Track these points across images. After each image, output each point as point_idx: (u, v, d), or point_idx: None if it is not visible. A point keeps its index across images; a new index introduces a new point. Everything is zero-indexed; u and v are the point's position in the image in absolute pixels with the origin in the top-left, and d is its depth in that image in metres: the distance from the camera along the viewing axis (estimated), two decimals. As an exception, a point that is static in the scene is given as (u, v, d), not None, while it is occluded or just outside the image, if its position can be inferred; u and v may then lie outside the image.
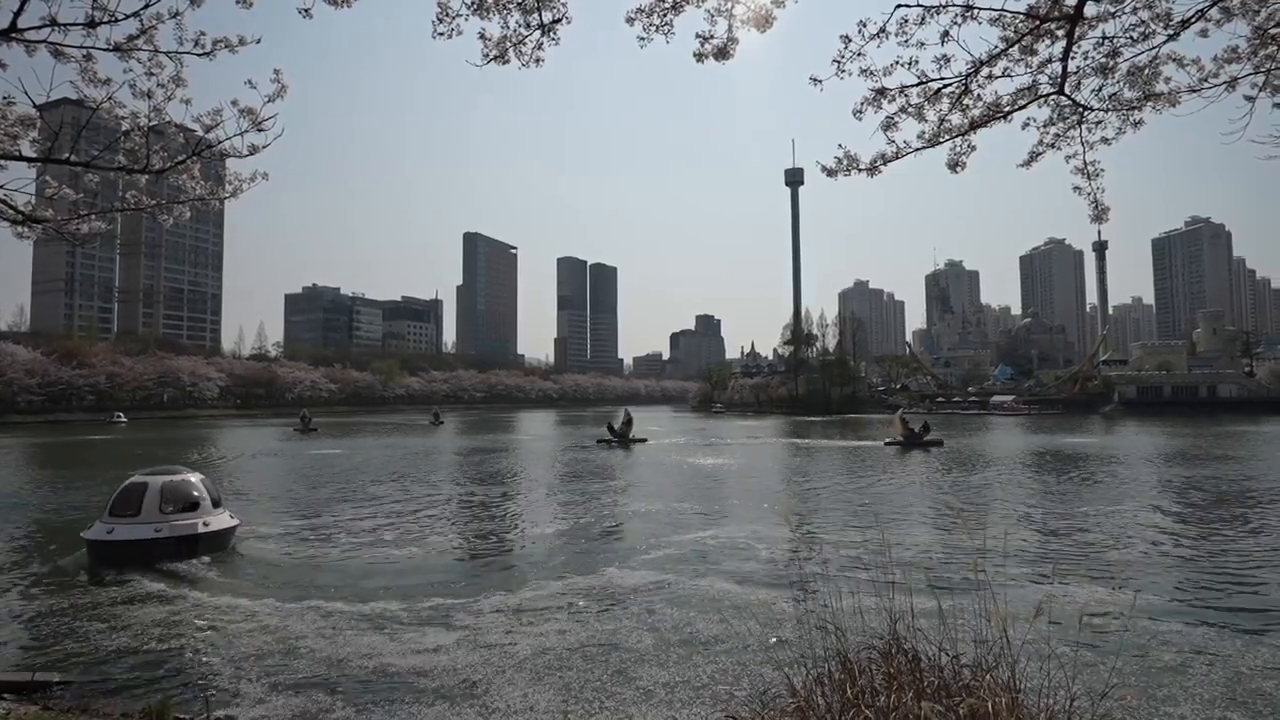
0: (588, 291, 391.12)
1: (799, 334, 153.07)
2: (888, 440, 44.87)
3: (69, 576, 14.03)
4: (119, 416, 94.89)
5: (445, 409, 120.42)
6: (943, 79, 4.43)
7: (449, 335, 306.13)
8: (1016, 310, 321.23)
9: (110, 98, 4.46)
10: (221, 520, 15.91)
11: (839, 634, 4.44)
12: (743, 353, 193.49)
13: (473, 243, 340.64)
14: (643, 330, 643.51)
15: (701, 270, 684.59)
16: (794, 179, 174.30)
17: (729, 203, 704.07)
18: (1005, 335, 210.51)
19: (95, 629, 10.70)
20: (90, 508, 20.69)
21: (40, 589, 13.04)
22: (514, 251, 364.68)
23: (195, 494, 15.66)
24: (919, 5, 4.13)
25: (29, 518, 20.56)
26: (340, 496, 24.71)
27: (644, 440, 49.83)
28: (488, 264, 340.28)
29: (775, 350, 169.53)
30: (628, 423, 50.13)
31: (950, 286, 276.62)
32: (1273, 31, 4.22)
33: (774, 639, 9.72)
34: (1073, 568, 13.63)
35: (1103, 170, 4.69)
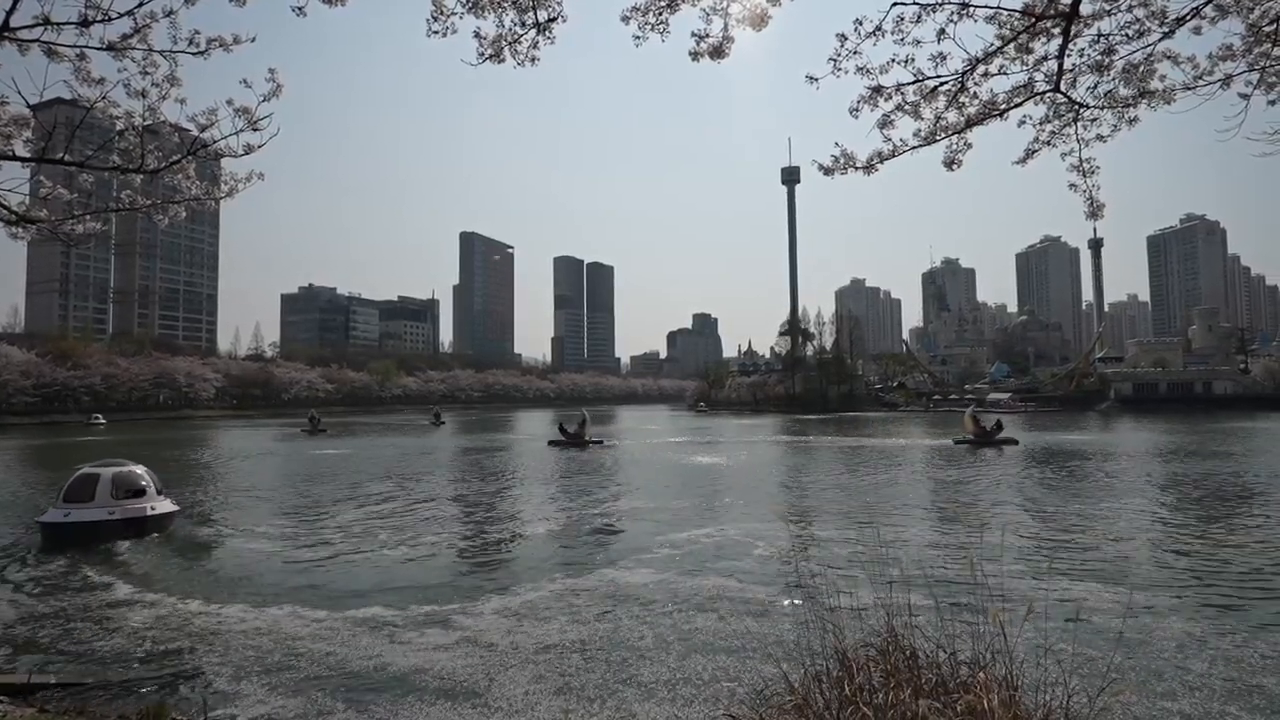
0: (585, 291, 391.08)
1: (796, 332, 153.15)
2: (957, 439, 44.19)
3: (21, 559, 14.59)
4: (96, 418, 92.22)
5: (443, 409, 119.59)
6: (939, 77, 4.44)
7: (446, 335, 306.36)
8: (1013, 308, 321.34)
9: (104, 97, 4.45)
10: (165, 506, 17.78)
11: (837, 631, 4.45)
12: (740, 351, 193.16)
13: (469, 242, 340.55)
14: (640, 329, 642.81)
15: (698, 269, 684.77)
16: (790, 178, 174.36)
17: (726, 202, 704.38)
18: (1001, 333, 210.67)
19: (89, 630, 10.67)
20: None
21: (30, 591, 13.00)
22: (510, 251, 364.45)
23: (142, 483, 17.48)
24: (915, 4, 4.14)
25: (19, 519, 20.47)
26: (339, 496, 24.67)
27: (599, 442, 47.12)
28: (484, 263, 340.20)
29: (772, 349, 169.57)
30: (583, 423, 48.13)
31: (946, 284, 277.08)
32: (1267, 29, 4.23)
33: (772, 637, 9.74)
34: (1070, 564, 13.67)
35: (1098, 168, 4.71)
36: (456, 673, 8.86)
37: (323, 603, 11.85)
